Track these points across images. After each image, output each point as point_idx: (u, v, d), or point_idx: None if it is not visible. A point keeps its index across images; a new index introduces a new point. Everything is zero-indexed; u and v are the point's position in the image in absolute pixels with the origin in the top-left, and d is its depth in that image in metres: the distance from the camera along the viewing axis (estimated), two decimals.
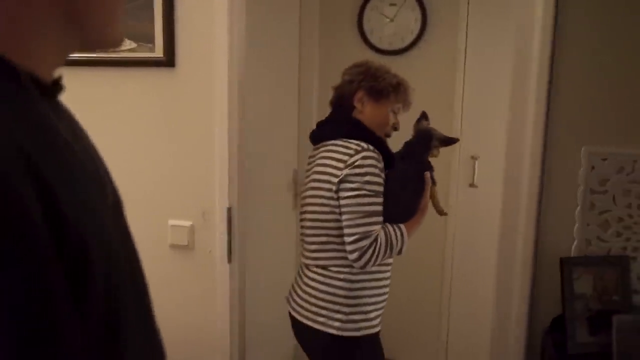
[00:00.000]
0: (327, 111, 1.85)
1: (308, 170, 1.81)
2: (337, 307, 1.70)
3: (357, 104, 1.75)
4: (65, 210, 0.49)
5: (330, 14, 2.88)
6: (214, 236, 1.89)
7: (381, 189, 1.65)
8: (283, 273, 2.61)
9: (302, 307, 1.76)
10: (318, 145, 1.81)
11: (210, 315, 1.93)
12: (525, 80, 1.83)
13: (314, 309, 1.73)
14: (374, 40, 2.86)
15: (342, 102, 1.79)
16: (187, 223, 1.90)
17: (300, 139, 2.78)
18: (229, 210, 1.84)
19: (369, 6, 2.85)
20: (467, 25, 2.75)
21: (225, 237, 1.85)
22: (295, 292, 1.81)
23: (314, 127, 1.86)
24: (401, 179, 1.74)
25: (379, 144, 1.70)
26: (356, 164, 1.62)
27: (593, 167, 1.82)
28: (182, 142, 1.87)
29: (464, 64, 2.78)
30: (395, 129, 1.81)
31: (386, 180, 1.67)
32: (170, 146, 1.89)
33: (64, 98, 0.61)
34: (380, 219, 1.66)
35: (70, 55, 0.60)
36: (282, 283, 2.27)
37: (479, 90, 2.76)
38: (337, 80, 1.82)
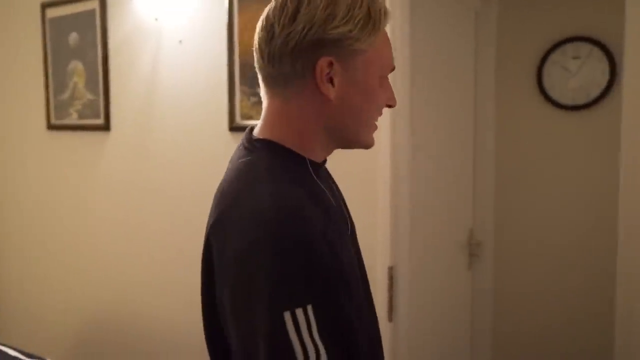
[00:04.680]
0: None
1: None
2: None
3: None
4: (330, 238, 0.84)
5: (506, 70, 2.83)
6: (376, 293, 1.91)
7: None
8: (452, 336, 2.53)
9: None
10: None
11: None
12: None
13: None
14: (555, 95, 2.72)
15: None
16: None
17: (476, 198, 2.71)
18: (391, 269, 1.87)
19: (549, 60, 2.74)
20: None
21: (386, 296, 1.88)
22: None
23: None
24: None
25: None
26: None
27: None
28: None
29: None
30: None
31: None
32: None
33: None
34: None
35: (334, 149, 1.02)
36: (450, 345, 2.19)
37: None
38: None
